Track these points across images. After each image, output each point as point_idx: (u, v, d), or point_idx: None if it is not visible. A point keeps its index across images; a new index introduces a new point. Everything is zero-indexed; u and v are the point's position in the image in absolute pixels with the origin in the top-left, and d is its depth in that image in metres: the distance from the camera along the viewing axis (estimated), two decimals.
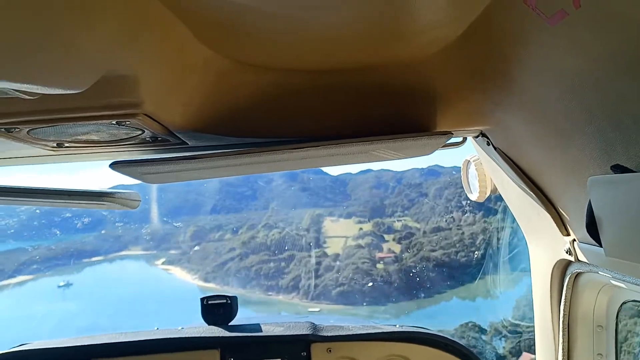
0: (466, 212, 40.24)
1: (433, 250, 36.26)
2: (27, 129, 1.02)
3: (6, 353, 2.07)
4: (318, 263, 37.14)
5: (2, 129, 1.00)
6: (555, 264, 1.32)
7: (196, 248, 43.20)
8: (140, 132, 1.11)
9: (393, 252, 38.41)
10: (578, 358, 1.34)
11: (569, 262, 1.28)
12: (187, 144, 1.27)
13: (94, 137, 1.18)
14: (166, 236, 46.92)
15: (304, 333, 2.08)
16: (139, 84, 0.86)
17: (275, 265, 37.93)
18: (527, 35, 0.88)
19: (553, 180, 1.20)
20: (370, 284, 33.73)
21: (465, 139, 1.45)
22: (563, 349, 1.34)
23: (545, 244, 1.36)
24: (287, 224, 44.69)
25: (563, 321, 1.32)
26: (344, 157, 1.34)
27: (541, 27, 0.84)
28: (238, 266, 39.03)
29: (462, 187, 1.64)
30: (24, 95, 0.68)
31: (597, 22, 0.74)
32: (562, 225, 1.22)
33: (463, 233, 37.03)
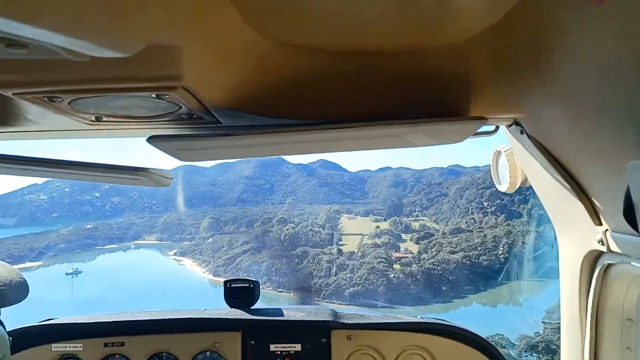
0: (487, 214, 39.18)
1: (453, 252, 35.17)
2: (69, 99, 1.06)
3: (34, 326, 2.16)
4: (332, 261, 36.36)
5: (45, 97, 1.03)
6: (586, 255, 1.31)
7: (209, 240, 43.60)
8: (177, 107, 1.14)
9: (410, 252, 37.49)
10: (605, 351, 1.33)
11: (600, 253, 1.27)
12: (220, 123, 1.30)
13: (132, 112, 1.23)
14: (181, 227, 47.60)
15: (325, 319, 2.10)
16: (181, 58, 0.89)
17: (287, 261, 37.41)
18: (566, 22, 0.88)
19: (587, 169, 1.20)
20: (386, 285, 32.90)
21: (497, 128, 1.45)
22: (590, 342, 1.33)
23: (576, 235, 1.36)
24: (302, 219, 44.67)
25: (591, 314, 1.32)
26: (376, 140, 1.35)
27: (581, 13, 0.84)
28: (249, 261, 38.64)
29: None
30: (72, 57, 0.71)
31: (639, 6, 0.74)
32: (595, 215, 1.21)
33: (485, 235, 35.96)
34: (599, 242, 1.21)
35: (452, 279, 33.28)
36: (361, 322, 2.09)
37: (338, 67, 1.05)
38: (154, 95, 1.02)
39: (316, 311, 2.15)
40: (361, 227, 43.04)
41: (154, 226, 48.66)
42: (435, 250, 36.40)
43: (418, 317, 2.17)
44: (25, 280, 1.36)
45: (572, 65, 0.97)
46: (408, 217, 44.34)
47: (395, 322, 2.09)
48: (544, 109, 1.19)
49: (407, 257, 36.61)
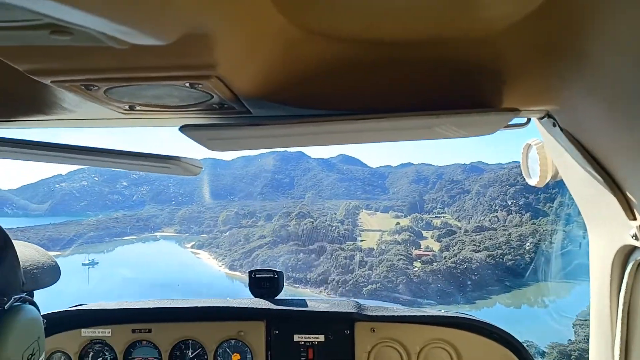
0: (512, 212, 37.95)
1: (476, 251, 34.05)
2: (105, 88, 1.09)
3: (64, 311, 2.25)
4: (350, 257, 35.60)
5: (82, 86, 1.06)
6: (618, 250, 1.29)
7: (227, 234, 43.89)
8: (209, 97, 1.16)
9: (431, 250, 36.67)
10: (636, 348, 1.30)
11: (634, 248, 1.24)
12: (251, 113, 1.32)
13: (165, 102, 1.26)
14: (200, 219, 48.18)
15: (348, 311, 2.08)
16: (215, 46, 0.90)
17: (304, 256, 36.98)
18: (609, 7, 0.86)
19: (622, 163, 1.17)
20: (406, 283, 32.04)
21: (529, 120, 1.43)
22: (621, 339, 1.30)
23: (608, 230, 1.33)
24: (321, 214, 44.58)
25: (622, 310, 1.29)
26: (405, 132, 1.35)
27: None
28: (266, 255, 38.33)
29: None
30: (114, 44, 0.74)
31: None
32: (629, 209, 1.19)
33: (510, 234, 34.81)
34: (632, 237, 1.19)
35: (475, 279, 32.28)
36: (385, 314, 2.10)
37: (368, 57, 1.04)
38: (187, 85, 1.04)
39: (340, 303, 2.17)
40: (381, 223, 42.91)
41: (173, 218, 49.50)
42: (458, 248, 35.33)
43: (443, 311, 2.16)
44: (57, 264, 1.41)
45: (612, 53, 0.94)
46: (429, 214, 43.77)
47: (419, 316, 2.09)
48: (579, 100, 1.17)
49: (428, 254, 35.68)
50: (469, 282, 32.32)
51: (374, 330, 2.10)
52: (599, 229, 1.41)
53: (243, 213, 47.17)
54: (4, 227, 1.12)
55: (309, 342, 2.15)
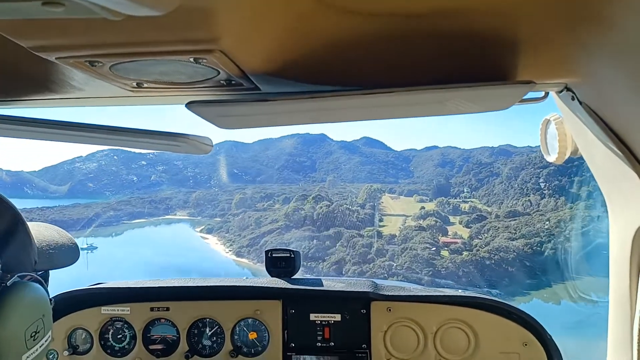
0: (544, 196, 35.92)
1: (512, 239, 31.04)
2: (110, 64, 1.12)
3: (85, 289, 2.35)
4: (368, 245, 33.32)
5: (87, 62, 1.10)
6: (638, 229, 1.27)
7: (238, 217, 42.84)
8: (216, 73, 1.18)
9: (460, 237, 34.35)
10: None
11: None
12: (260, 90, 1.34)
13: (172, 78, 1.29)
14: (214, 202, 48.03)
15: (365, 290, 2.11)
16: (217, 18, 0.91)
17: (318, 243, 34.98)
18: None
19: None
20: (432, 276, 29.37)
21: (547, 94, 1.40)
22: None
23: (629, 208, 1.31)
24: (341, 197, 43.73)
25: None
26: (417, 107, 1.34)
27: None
28: (275, 242, 36.57)
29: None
30: (108, 16, 0.75)
31: None
32: None
33: (548, 220, 32.24)
34: None
35: (511, 271, 29.07)
36: (401, 294, 2.13)
37: (381, 30, 1.03)
38: (191, 59, 1.06)
39: (356, 282, 2.22)
40: (404, 207, 42.02)
41: (188, 201, 49.95)
42: (490, 235, 32.68)
43: (459, 291, 2.18)
44: (76, 245, 1.47)
45: (635, 22, 0.91)
46: (456, 198, 42.77)
47: (436, 295, 2.12)
48: (601, 71, 1.15)
49: (457, 242, 33.49)
50: (504, 275, 29.26)
51: (390, 310, 2.14)
52: (619, 207, 1.40)
53: (260, 196, 46.64)
54: (24, 207, 1.16)
55: (325, 321, 2.21)
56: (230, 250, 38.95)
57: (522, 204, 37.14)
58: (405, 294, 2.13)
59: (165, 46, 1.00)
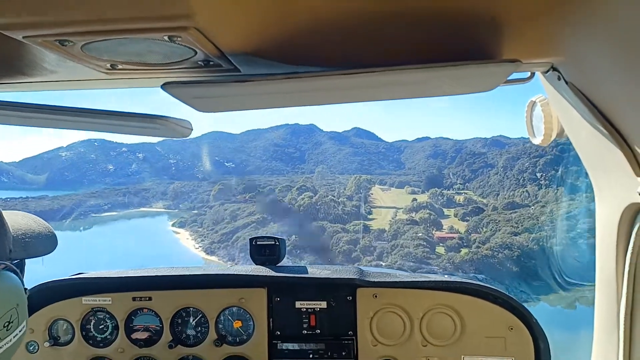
0: (542, 187, 34.54)
1: (515, 233, 28.16)
2: (81, 44, 1.11)
3: (65, 279, 2.36)
4: (354, 242, 30.79)
5: (56, 41, 1.09)
6: (625, 208, 1.31)
7: (214, 209, 40.60)
8: (192, 53, 1.18)
9: (457, 231, 32.28)
10: None
11: None
12: (239, 71, 1.34)
13: (147, 59, 1.28)
14: (193, 194, 46.73)
15: (350, 277, 2.16)
16: None
17: (297, 239, 31.85)
18: None
19: (630, 117, 1.18)
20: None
21: (533, 75, 1.43)
22: (626, 299, 1.34)
23: (615, 188, 1.35)
24: (329, 189, 42.94)
25: (629, 271, 1.32)
26: (401, 87, 1.36)
27: None
28: (250, 236, 35.00)
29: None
30: None
31: None
32: (637, 165, 1.20)
33: (551, 212, 29.46)
34: (639, 194, 1.21)
35: (515, 270, 25.78)
36: (387, 280, 2.18)
37: (365, 9, 1.04)
38: (166, 38, 1.06)
39: (342, 269, 2.26)
40: (395, 199, 41.44)
41: (166, 192, 48.45)
42: (490, 230, 29.97)
43: (446, 276, 2.23)
44: (54, 234, 1.49)
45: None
46: (449, 189, 42.72)
47: (421, 281, 2.17)
48: (587, 50, 1.17)
49: (454, 237, 31.32)
50: (505, 275, 25.81)
51: (376, 296, 2.19)
52: (605, 187, 1.44)
53: (243, 187, 45.24)
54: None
55: (310, 308, 2.25)
56: (200, 247, 37.11)
57: (520, 195, 35.95)
58: (391, 280, 2.18)
59: (137, 23, 1.00)
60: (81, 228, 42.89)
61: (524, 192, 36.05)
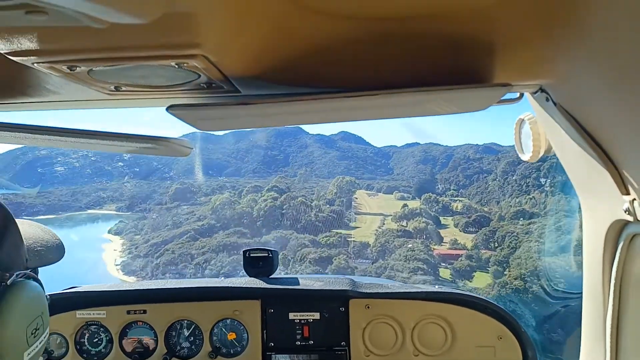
0: (548, 194, 28.60)
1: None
2: (88, 69, 1.18)
3: (59, 294, 2.44)
4: (326, 259, 24.84)
5: (64, 67, 1.15)
6: (611, 225, 1.41)
7: (161, 212, 37.41)
8: (196, 76, 1.26)
9: (463, 246, 26.32)
10: (628, 322, 1.44)
11: (626, 223, 1.37)
12: (240, 92, 1.43)
13: (151, 82, 1.34)
14: (153, 195, 42.79)
15: (343, 289, 2.31)
16: (199, 24, 0.98)
17: (238, 259, 21.62)
18: None
19: (616, 137, 1.27)
20: None
21: (522, 95, 1.56)
22: (613, 313, 1.45)
23: (601, 205, 1.46)
24: (309, 192, 39.99)
25: (615, 284, 1.43)
26: (397, 108, 1.49)
27: None
28: (179, 252, 29.60)
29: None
30: (92, 23, 0.80)
31: None
32: (622, 184, 1.30)
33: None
34: (625, 212, 1.32)
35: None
36: (379, 291, 2.34)
37: (360, 33, 1.13)
38: (173, 64, 1.14)
39: (335, 280, 2.40)
40: (383, 205, 39.39)
41: (123, 193, 45.42)
42: (508, 246, 23.82)
43: (437, 287, 2.40)
44: (61, 242, 1.58)
45: (613, 22, 1.01)
46: (442, 195, 41.85)
47: (413, 292, 2.33)
48: (575, 73, 1.28)
49: (460, 255, 25.94)
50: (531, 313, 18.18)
51: (368, 307, 2.34)
52: (592, 204, 1.57)
53: (212, 188, 41.88)
54: None
55: (304, 320, 2.38)
56: (120, 263, 33.20)
57: (527, 202, 31.75)
58: (383, 291, 2.34)
59: (147, 51, 1.08)
60: None
61: (530, 199, 32.39)
